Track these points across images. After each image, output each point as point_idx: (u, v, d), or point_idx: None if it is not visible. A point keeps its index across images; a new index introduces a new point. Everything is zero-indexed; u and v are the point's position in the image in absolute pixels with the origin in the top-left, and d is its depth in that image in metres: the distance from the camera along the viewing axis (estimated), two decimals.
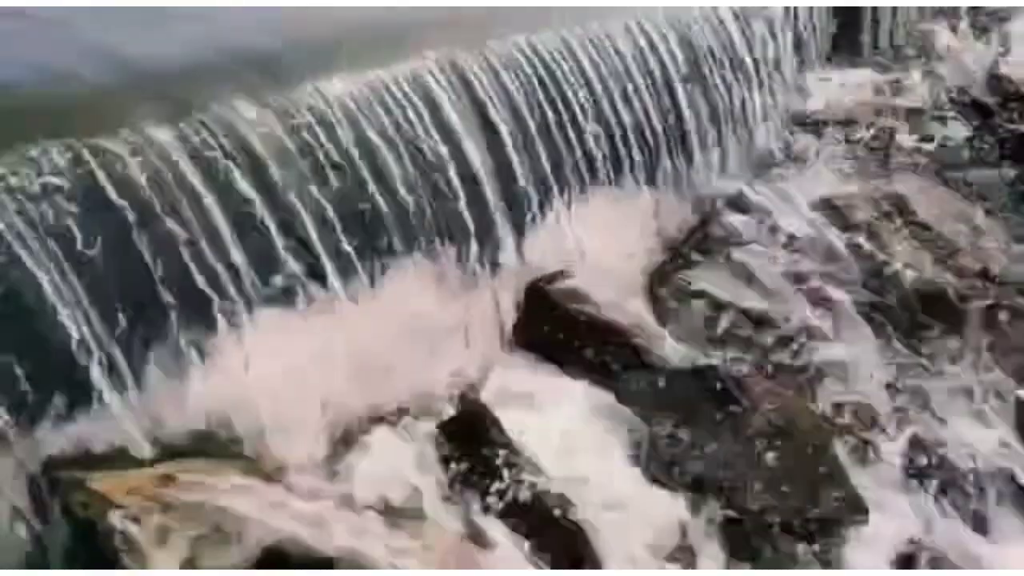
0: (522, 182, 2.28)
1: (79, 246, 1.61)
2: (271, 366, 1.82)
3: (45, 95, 1.81)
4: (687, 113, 2.79)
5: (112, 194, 1.66)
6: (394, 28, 2.31)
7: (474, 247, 2.16)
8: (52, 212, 1.59)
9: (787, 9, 3.36)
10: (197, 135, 1.81)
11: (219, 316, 1.79)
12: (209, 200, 1.78)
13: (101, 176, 1.67)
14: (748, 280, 2.53)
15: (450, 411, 1.83)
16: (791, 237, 2.79)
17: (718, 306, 2.42)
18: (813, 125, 3.41)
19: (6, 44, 1.97)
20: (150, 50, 1.98)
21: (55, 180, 1.61)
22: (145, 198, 1.70)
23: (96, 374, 1.61)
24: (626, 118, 2.58)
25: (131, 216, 1.68)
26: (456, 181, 2.13)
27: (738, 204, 2.89)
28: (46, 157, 1.62)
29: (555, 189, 2.37)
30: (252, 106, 1.90)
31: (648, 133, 2.65)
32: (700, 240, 2.72)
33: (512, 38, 2.39)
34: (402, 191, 2.05)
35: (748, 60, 3.09)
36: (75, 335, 1.58)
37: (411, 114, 2.10)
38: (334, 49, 2.15)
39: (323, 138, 1.96)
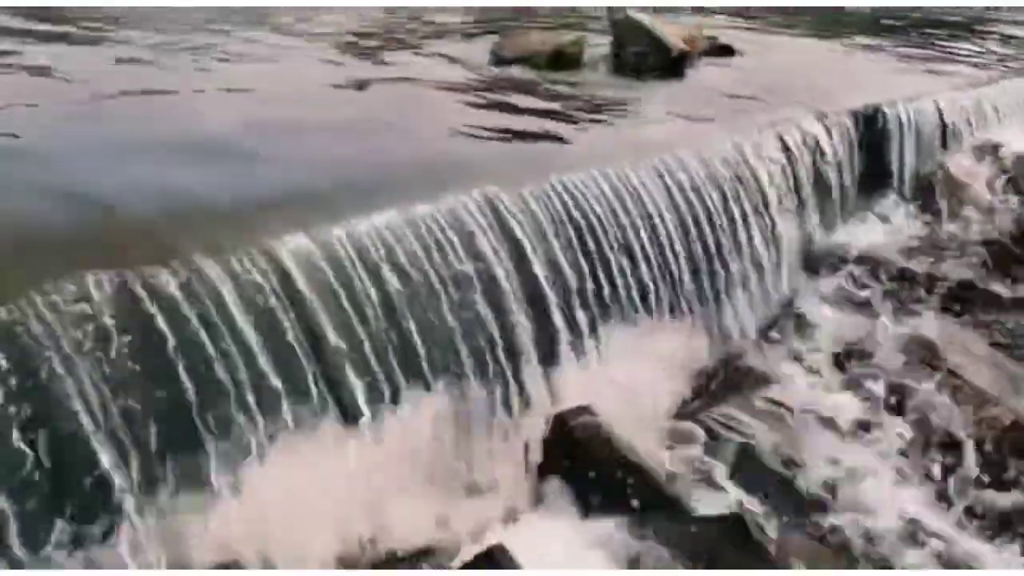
0: (552, 315, 2.34)
1: (119, 372, 1.66)
2: (288, 496, 1.86)
3: (96, 225, 1.89)
4: (714, 250, 2.87)
5: (160, 322, 1.71)
6: (433, 167, 2.43)
7: (501, 380, 2.21)
8: (97, 338, 1.64)
9: (812, 146, 3.49)
10: (242, 267, 1.87)
11: (249, 444, 1.83)
12: (250, 330, 1.83)
13: (148, 305, 1.72)
14: (778, 421, 2.55)
15: (470, 555, 1.85)
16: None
17: (747, 448, 2.41)
18: (840, 264, 3.44)
19: (58, 174, 2.06)
20: (198, 184, 2.08)
21: (104, 307, 1.66)
22: (189, 327, 1.75)
23: (122, 500, 1.62)
24: (653, 254, 2.66)
25: (172, 344, 1.72)
26: (487, 314, 2.20)
27: (766, 342, 2.96)
28: (96, 286, 1.67)
29: (584, 323, 2.42)
30: (296, 239, 1.96)
31: (675, 269, 2.71)
32: (728, 378, 2.75)
33: (546, 177, 2.49)
34: (434, 323, 2.11)
35: (773, 197, 3.20)
36: (104, 461, 1.60)
37: (446, 247, 2.18)
38: (376, 186, 2.24)
39: (361, 272, 2.02)
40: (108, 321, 1.64)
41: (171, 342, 1.69)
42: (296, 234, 1.97)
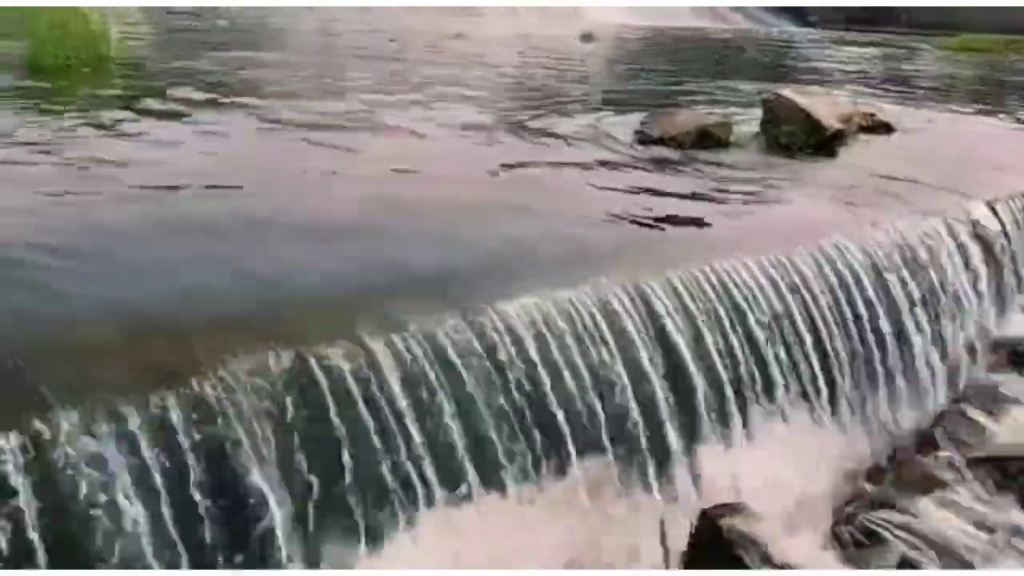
0: (699, 404, 2.29)
1: (289, 441, 1.76)
2: (436, 566, 1.90)
3: (271, 302, 2.03)
4: (873, 339, 2.74)
5: (326, 397, 1.81)
6: (580, 249, 2.47)
7: (645, 468, 2.17)
8: (274, 408, 1.75)
9: (981, 232, 3.30)
10: (404, 346, 1.95)
11: (399, 517, 1.89)
12: (407, 407, 1.91)
13: (319, 381, 1.82)
14: (937, 532, 2.40)
15: None
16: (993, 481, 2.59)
17: (908, 559, 2.25)
18: (1016, 359, 3.21)
19: (232, 250, 2.24)
20: (355, 263, 2.21)
21: (279, 382, 1.77)
22: (353, 403, 1.84)
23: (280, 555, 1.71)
24: (809, 344, 2.56)
25: (336, 418, 1.82)
26: (631, 397, 2.18)
27: (932, 443, 2.78)
28: (274, 362, 1.79)
29: (733, 414, 2.36)
30: (452, 321, 2.03)
31: (832, 359, 2.60)
32: (890, 480, 2.58)
33: (696, 263, 2.47)
34: (578, 405, 2.12)
35: (939, 287, 3.03)
36: (271, 517, 1.69)
37: (593, 331, 2.19)
38: (523, 268, 2.30)
39: (512, 351, 2.07)
40: (282, 394, 1.75)
41: (337, 420, 1.78)
42: (452, 316, 2.04)
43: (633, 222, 2.79)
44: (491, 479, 2.01)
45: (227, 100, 5.26)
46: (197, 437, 1.60)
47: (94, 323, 1.84)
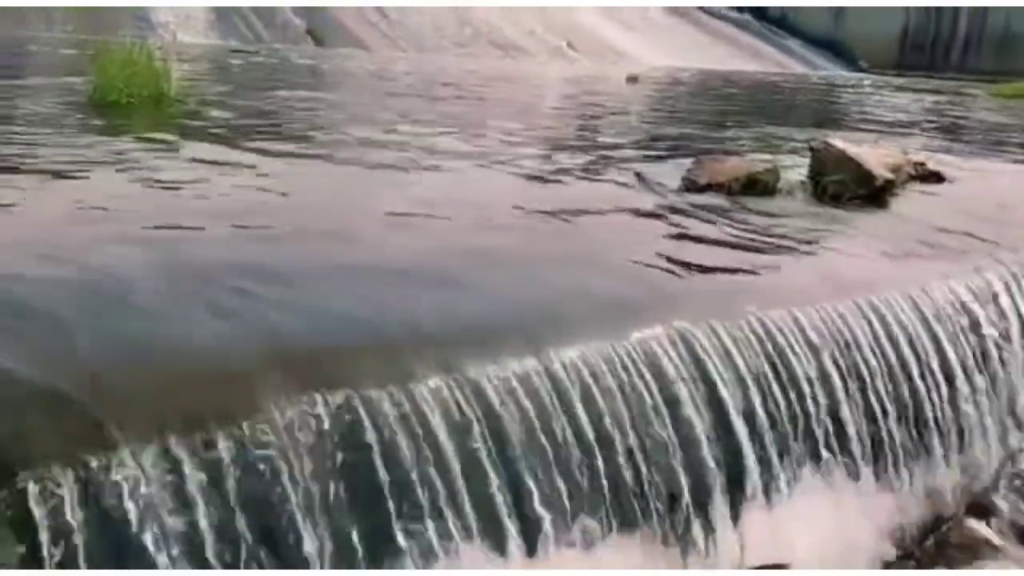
0: (744, 459, 2.26)
1: (334, 484, 1.78)
2: None
3: (321, 345, 2.07)
4: (924, 398, 2.67)
5: (374, 442, 1.83)
6: (625, 299, 2.47)
7: (686, 523, 2.14)
8: (319, 453, 1.77)
9: None
10: (450, 394, 1.96)
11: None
12: (452, 456, 1.91)
13: (366, 425, 1.84)
14: None
15: None
16: None
17: None
18: None
19: (283, 293, 2.29)
20: (404, 309, 2.23)
21: (327, 426, 1.80)
22: (399, 447, 1.86)
23: None
24: (856, 401, 2.51)
25: (379, 461, 1.83)
26: (678, 453, 2.16)
27: (983, 509, 2.70)
28: (324, 405, 1.81)
29: (778, 471, 2.32)
30: (499, 369, 2.04)
31: (880, 418, 2.55)
32: (936, 545, 2.52)
33: (742, 313, 2.45)
34: (621, 459, 2.10)
35: (993, 346, 2.96)
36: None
37: (637, 381, 2.18)
38: (569, 318, 2.30)
39: (556, 404, 2.07)
40: (331, 437, 1.77)
41: (381, 462, 1.80)
42: (496, 365, 2.05)
43: (679, 271, 2.78)
44: (529, 532, 2.00)
45: (282, 140, 5.41)
46: (244, 480, 1.63)
47: (145, 362, 1.88)
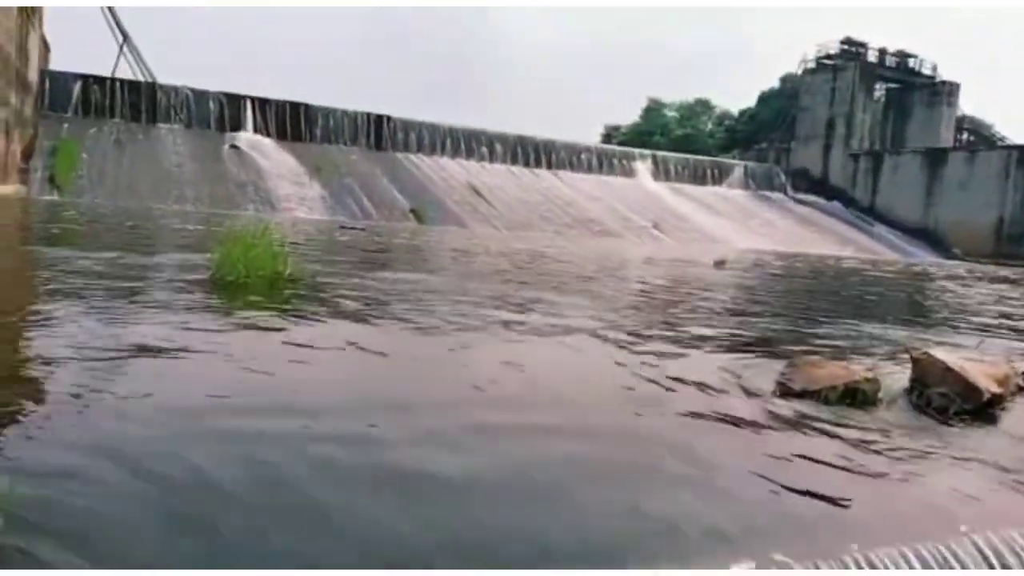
0: None
1: None
2: None
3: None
4: None
5: None
6: (715, 524, 2.40)
7: None
8: None
9: None
10: None
11: None
12: None
13: None
14: None
15: None
16: None
17: None
18: None
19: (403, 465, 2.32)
20: (493, 530, 2.23)
21: None
22: None
23: None
24: None
25: None
26: None
27: None
28: None
29: None
30: None
31: None
32: None
33: (845, 549, 2.34)
34: None
35: None
36: None
37: None
38: (651, 545, 2.26)
39: None
40: None
41: None
42: None
43: (776, 495, 2.69)
44: None
45: (386, 319, 5.68)
46: None
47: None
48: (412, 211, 41.18)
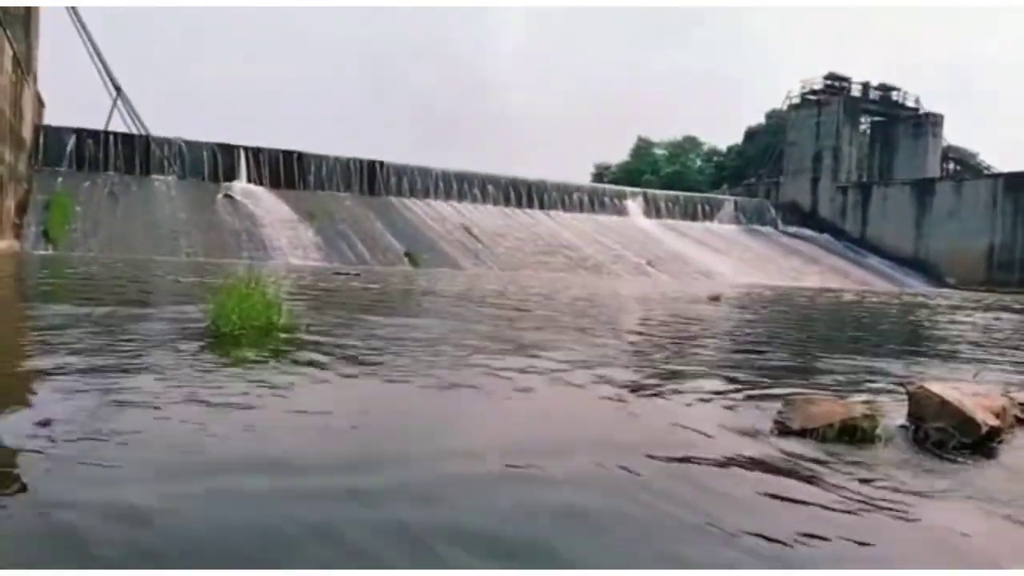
0: None
1: None
2: None
3: None
4: None
5: None
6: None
7: None
8: None
9: None
10: None
11: None
12: None
13: None
14: None
15: None
16: None
17: None
18: None
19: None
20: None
21: None
22: None
23: None
24: None
25: None
26: None
27: None
28: None
29: None
30: None
31: None
32: None
33: None
34: None
35: None
36: None
37: None
38: None
39: None
40: None
41: None
42: None
43: (781, 540, 2.67)
44: None
45: (380, 367, 5.66)
46: None
47: None
48: (406, 254, 41.32)
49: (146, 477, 2.90)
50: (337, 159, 49.86)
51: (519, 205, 55.86)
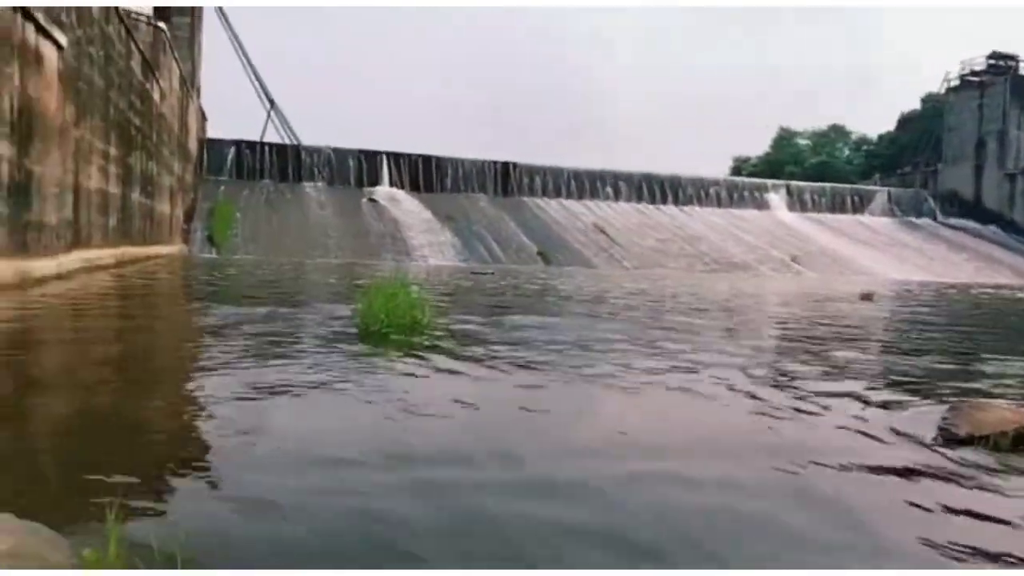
0: None
1: None
2: None
3: None
4: None
5: None
6: None
7: None
8: None
9: None
10: None
11: None
12: None
13: None
14: None
15: None
16: None
17: None
18: None
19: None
20: None
21: None
22: None
23: None
24: None
25: None
26: None
27: None
28: None
29: None
30: None
31: None
32: None
33: None
34: None
35: None
36: None
37: None
38: None
39: None
40: None
41: None
42: None
43: (947, 559, 2.50)
44: None
45: (516, 366, 5.76)
46: None
47: None
48: (539, 253, 41.70)
49: (372, 462, 3.11)
50: (472, 162, 51.02)
51: (652, 201, 54.94)
